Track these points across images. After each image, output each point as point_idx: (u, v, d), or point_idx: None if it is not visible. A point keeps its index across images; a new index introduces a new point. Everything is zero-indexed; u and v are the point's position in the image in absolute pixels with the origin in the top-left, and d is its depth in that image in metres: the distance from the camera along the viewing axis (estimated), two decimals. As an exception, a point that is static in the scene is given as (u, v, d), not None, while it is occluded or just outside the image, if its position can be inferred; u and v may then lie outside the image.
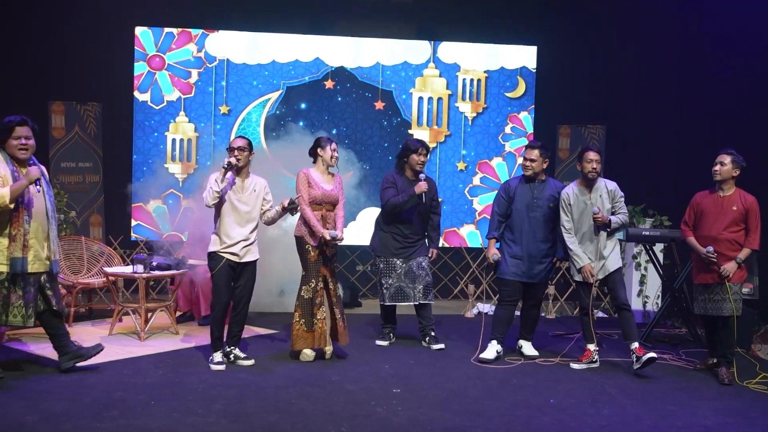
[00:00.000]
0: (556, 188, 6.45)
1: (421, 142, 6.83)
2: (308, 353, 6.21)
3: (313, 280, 6.17)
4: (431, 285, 6.87)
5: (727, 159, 5.91)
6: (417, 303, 6.78)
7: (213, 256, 5.88)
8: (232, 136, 9.01)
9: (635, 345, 6.07)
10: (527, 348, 6.61)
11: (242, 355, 6.06)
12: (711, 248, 5.87)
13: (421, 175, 6.72)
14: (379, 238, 6.84)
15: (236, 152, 5.85)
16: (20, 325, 5.39)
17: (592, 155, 6.15)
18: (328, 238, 6.04)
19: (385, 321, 6.97)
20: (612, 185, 6.24)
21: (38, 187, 5.34)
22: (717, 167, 5.95)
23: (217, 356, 5.88)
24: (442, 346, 6.79)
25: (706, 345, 6.42)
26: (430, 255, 6.93)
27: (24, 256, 5.27)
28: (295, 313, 6.20)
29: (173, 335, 6.97)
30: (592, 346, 6.30)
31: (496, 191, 6.69)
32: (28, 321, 5.36)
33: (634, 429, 4.82)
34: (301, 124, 9.09)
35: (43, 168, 5.51)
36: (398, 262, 6.76)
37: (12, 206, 5.17)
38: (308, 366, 6.04)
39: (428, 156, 6.85)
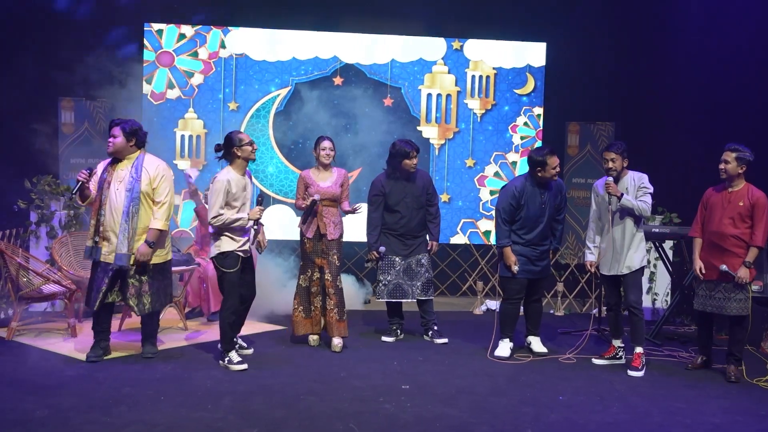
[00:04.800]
0: (557, 185, 6.50)
1: (411, 144, 6.80)
2: (314, 338, 6.58)
3: (309, 270, 6.51)
4: (431, 281, 6.94)
5: (730, 156, 5.86)
6: (414, 300, 6.85)
7: (228, 255, 5.80)
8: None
9: (638, 350, 6.08)
10: (536, 344, 6.61)
11: (244, 344, 6.27)
12: (725, 267, 5.81)
13: (381, 248, 6.77)
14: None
15: (255, 146, 5.95)
16: (92, 308, 5.83)
17: (606, 154, 6.18)
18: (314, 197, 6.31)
19: (391, 316, 6.99)
20: (639, 177, 6.15)
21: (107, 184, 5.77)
22: (722, 165, 5.91)
23: (235, 356, 5.81)
24: (445, 340, 6.88)
25: (700, 344, 6.29)
26: (429, 247, 6.93)
27: (97, 246, 5.76)
28: (294, 300, 6.57)
29: (182, 331, 6.99)
30: (617, 342, 6.32)
31: (498, 192, 6.66)
32: (94, 305, 5.78)
33: (643, 426, 4.80)
34: (309, 121, 9.09)
35: (148, 162, 5.87)
36: (397, 259, 6.81)
37: (82, 203, 5.84)
38: (316, 362, 6.05)
39: (419, 155, 6.83)
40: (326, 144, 6.52)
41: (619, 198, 6.02)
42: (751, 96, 8.35)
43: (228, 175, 5.80)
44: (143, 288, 5.82)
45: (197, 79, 8.99)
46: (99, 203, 5.76)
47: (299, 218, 6.71)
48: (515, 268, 6.29)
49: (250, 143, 5.88)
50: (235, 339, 6.03)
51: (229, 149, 5.87)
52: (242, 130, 9.03)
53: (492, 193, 9.38)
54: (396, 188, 6.79)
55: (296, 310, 6.54)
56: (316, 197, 6.39)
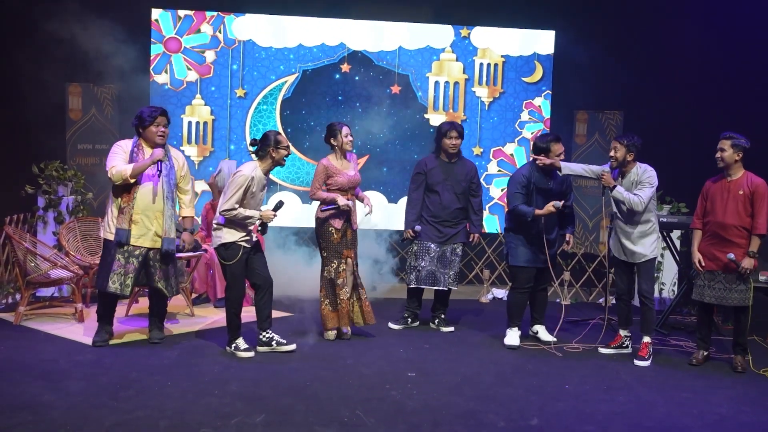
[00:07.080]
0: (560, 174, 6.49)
1: (452, 124, 6.83)
2: (330, 333, 6.35)
3: (335, 261, 6.29)
4: (459, 271, 6.92)
5: (726, 144, 5.80)
6: (447, 289, 6.81)
7: (230, 246, 5.67)
8: (249, 119, 9.02)
9: (646, 339, 6.08)
10: (543, 333, 6.62)
11: (284, 341, 5.93)
12: (732, 255, 5.72)
13: (417, 227, 6.72)
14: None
15: (290, 151, 5.87)
16: (116, 292, 5.72)
17: (612, 142, 6.20)
18: (342, 203, 6.16)
19: (410, 301, 6.98)
20: (643, 170, 6.11)
21: (157, 171, 5.79)
22: (718, 154, 5.85)
23: (242, 343, 5.79)
24: (451, 328, 6.90)
25: (700, 336, 6.15)
26: (471, 239, 6.89)
27: (129, 228, 5.70)
28: (320, 293, 6.36)
29: (189, 317, 7.01)
30: (624, 332, 6.30)
31: (509, 179, 6.63)
32: (125, 290, 5.73)
33: (649, 416, 4.80)
34: (316, 107, 9.08)
35: (174, 152, 6.03)
36: (432, 245, 6.76)
37: (132, 180, 5.69)
38: (323, 349, 6.05)
39: (462, 137, 6.78)
40: (347, 131, 6.36)
41: (611, 189, 6.02)
42: (760, 85, 8.31)
43: (254, 171, 5.64)
44: (169, 271, 5.89)
45: (204, 66, 8.97)
46: (133, 185, 5.78)
47: (316, 208, 6.53)
48: (558, 204, 6.21)
49: (287, 148, 5.80)
50: (271, 336, 5.85)
51: (264, 147, 5.71)
52: (249, 116, 9.03)
53: (498, 184, 9.36)
54: (437, 168, 6.77)
55: (323, 303, 6.34)
56: (350, 203, 6.25)
